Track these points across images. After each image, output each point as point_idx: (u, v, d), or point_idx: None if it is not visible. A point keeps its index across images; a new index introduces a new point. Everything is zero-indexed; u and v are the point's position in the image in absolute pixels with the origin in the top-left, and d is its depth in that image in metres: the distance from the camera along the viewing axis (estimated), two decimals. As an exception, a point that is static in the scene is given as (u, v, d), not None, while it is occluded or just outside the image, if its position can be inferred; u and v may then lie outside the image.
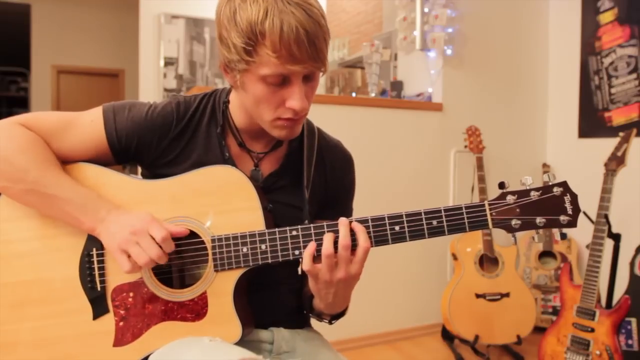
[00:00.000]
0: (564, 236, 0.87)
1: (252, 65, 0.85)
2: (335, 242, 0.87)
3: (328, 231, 0.89)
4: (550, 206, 0.87)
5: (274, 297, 1.06)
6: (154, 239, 0.87)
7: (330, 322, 1.04)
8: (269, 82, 0.87)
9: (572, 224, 0.87)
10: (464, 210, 0.88)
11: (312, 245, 0.88)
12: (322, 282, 0.89)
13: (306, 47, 0.82)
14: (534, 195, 0.88)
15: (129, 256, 0.87)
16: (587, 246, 2.07)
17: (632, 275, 2.08)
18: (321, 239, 0.88)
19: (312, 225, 0.90)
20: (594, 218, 2.06)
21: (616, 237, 2.11)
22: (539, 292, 2.79)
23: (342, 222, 0.88)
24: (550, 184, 0.88)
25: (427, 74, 2.93)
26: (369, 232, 0.89)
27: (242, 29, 0.83)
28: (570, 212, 0.87)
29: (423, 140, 2.84)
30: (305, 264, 0.88)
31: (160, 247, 0.87)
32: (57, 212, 0.92)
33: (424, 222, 0.88)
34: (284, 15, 0.81)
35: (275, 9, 0.81)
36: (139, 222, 0.88)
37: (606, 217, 2.04)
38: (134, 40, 4.30)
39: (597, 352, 1.96)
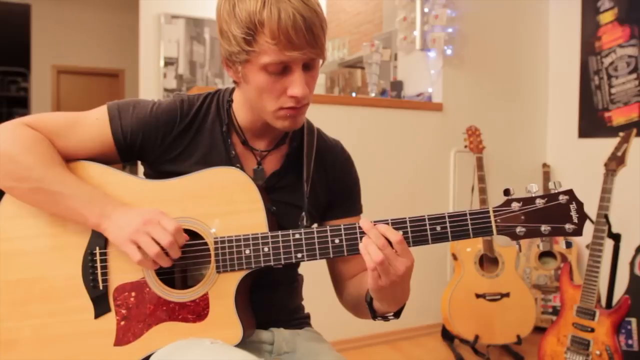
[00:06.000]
0: (569, 244, 0.86)
1: (252, 55, 0.87)
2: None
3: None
4: (555, 214, 0.86)
5: (274, 297, 1.06)
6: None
7: (397, 317, 0.98)
8: (270, 71, 0.88)
9: (578, 232, 0.86)
10: (468, 217, 0.87)
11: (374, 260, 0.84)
12: (385, 285, 0.86)
13: (304, 33, 0.84)
14: (540, 202, 0.87)
15: (139, 247, 0.87)
16: (587, 246, 2.07)
17: (632, 275, 2.08)
18: (326, 244, 0.89)
19: (315, 229, 0.90)
20: (594, 218, 2.06)
21: (616, 237, 2.11)
22: (539, 292, 2.79)
23: (366, 226, 0.86)
24: (556, 191, 0.87)
25: (427, 74, 2.93)
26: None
27: (242, 19, 0.85)
28: (575, 220, 0.86)
29: (423, 140, 2.84)
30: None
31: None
32: (62, 210, 0.92)
33: (428, 227, 0.88)
34: (281, 4, 0.83)
35: None
36: (149, 214, 0.88)
37: (606, 217, 2.04)
38: (134, 40, 4.30)
39: (597, 352, 1.96)
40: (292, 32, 0.84)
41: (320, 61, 0.93)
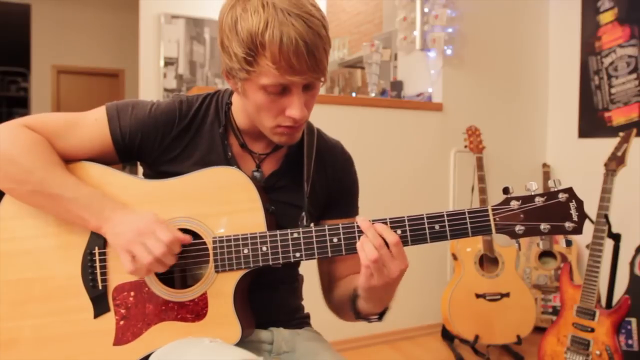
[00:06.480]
0: (569, 243, 0.85)
1: (252, 74, 0.86)
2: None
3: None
4: (555, 212, 0.86)
5: (274, 297, 1.06)
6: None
7: (380, 319, 0.99)
8: (269, 91, 0.88)
9: (578, 230, 0.85)
10: (467, 215, 0.87)
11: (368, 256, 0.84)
12: (377, 285, 0.86)
13: (305, 58, 0.83)
14: (539, 201, 0.86)
15: (133, 256, 0.87)
16: (587, 246, 2.07)
17: (632, 275, 2.08)
18: (324, 243, 0.89)
19: (313, 228, 0.90)
20: (594, 218, 2.05)
21: (616, 237, 2.11)
22: (539, 292, 2.79)
23: (365, 225, 0.86)
24: (555, 189, 0.87)
25: (427, 74, 2.93)
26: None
27: (243, 39, 0.84)
28: (575, 218, 0.86)
29: (423, 140, 2.84)
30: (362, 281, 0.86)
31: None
32: (62, 212, 0.92)
33: (426, 226, 0.87)
34: (283, 27, 0.81)
35: (276, 21, 0.81)
36: (144, 223, 0.88)
37: (606, 217, 2.04)
38: (134, 40, 4.30)
39: (597, 352, 1.96)
40: (294, 58, 0.82)
41: (322, 80, 0.91)
